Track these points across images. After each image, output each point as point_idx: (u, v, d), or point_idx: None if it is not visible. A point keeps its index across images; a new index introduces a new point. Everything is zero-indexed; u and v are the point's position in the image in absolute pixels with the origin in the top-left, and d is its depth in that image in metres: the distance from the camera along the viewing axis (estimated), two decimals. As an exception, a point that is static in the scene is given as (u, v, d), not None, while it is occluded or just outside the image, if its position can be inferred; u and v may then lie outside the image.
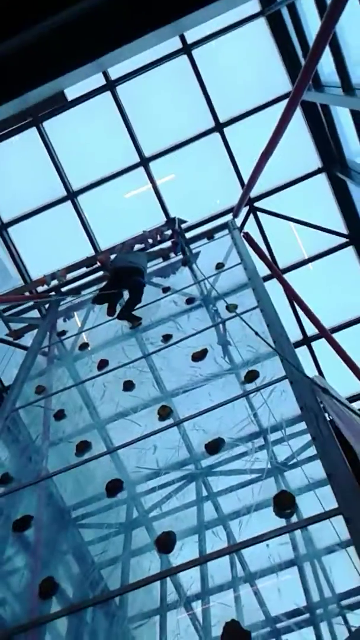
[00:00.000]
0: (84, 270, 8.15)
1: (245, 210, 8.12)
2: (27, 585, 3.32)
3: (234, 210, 7.86)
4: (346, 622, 2.54)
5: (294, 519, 2.86)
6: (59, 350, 6.66)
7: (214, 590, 2.85)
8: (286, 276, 7.86)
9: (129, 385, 4.88)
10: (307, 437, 3.28)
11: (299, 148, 8.35)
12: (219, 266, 6.57)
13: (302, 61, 6.63)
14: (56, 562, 3.56)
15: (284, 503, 2.89)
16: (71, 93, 8.06)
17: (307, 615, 2.60)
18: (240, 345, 4.60)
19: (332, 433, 3.13)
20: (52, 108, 7.07)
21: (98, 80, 8.11)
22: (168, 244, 7.92)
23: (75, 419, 4.88)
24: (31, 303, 8.18)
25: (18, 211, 8.69)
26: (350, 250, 8.69)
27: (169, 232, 7.93)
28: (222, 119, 8.31)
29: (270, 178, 8.18)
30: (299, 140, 8.26)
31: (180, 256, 7.68)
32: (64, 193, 8.56)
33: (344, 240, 8.60)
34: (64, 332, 6.90)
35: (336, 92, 6.63)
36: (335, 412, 3.33)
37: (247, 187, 7.16)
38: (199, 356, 4.78)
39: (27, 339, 7.53)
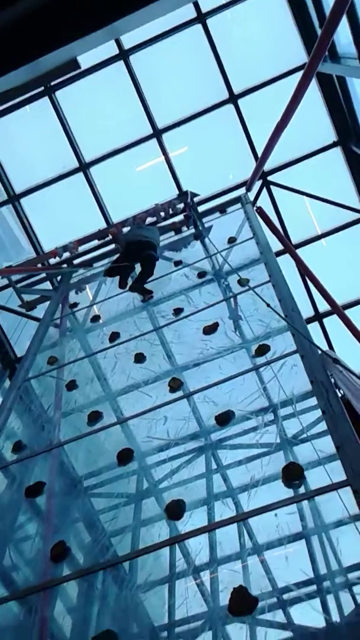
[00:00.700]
0: (95, 242, 8.14)
1: (258, 184, 8.04)
2: (39, 550, 3.39)
3: (247, 184, 7.79)
4: (352, 593, 2.58)
5: (303, 490, 2.89)
6: (71, 322, 6.70)
7: (222, 559, 2.89)
8: (299, 251, 7.80)
9: (140, 358, 4.91)
10: (318, 413, 3.29)
11: (314, 121, 8.22)
12: (231, 240, 6.54)
13: (319, 31, 6.49)
14: (67, 529, 3.63)
15: (293, 474, 2.92)
16: (84, 63, 7.94)
17: (313, 587, 2.64)
18: (252, 319, 4.61)
19: (342, 407, 3.14)
20: (65, 75, 6.97)
21: (111, 50, 8.00)
22: (180, 217, 7.88)
23: (86, 390, 4.93)
24: (43, 275, 8.20)
25: (30, 182, 8.66)
26: (364, 226, 8.59)
27: (181, 205, 7.88)
28: (236, 90, 8.18)
29: (284, 152, 8.08)
30: (314, 113, 8.12)
31: (192, 230, 7.64)
32: (77, 164, 8.51)
33: (358, 215, 8.50)
34: (75, 304, 6.93)
35: (353, 63, 6.50)
36: (346, 385, 3.34)
37: (260, 160, 7.08)
38: (210, 330, 4.79)
39: (40, 311, 7.57)
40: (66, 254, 8.00)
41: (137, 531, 3.26)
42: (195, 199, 8.01)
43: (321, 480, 2.85)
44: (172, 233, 7.84)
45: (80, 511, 3.73)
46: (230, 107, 8.25)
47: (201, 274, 6.02)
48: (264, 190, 8.30)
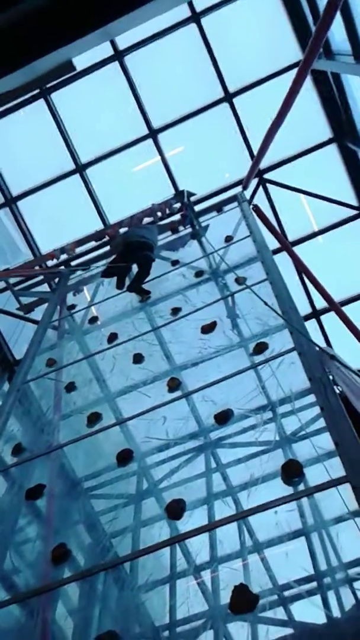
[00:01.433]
0: (93, 244, 8.14)
1: (254, 182, 8.04)
2: (40, 552, 3.39)
3: (244, 182, 7.79)
4: (352, 589, 2.58)
5: (302, 487, 2.89)
6: (69, 324, 6.70)
7: (222, 558, 2.89)
8: (296, 249, 7.80)
9: (138, 358, 4.91)
10: (316, 410, 3.29)
11: (309, 118, 8.23)
12: (228, 239, 6.54)
13: (313, 28, 6.49)
14: (67, 531, 3.63)
15: (292, 471, 2.92)
16: (79, 64, 7.95)
17: (314, 583, 2.64)
18: (249, 317, 4.61)
19: (340, 403, 3.14)
20: (61, 78, 6.97)
21: (106, 51, 8.00)
22: (177, 216, 7.88)
23: (85, 392, 4.93)
24: (41, 277, 8.20)
25: (27, 185, 8.66)
26: (361, 222, 8.60)
27: (177, 205, 7.89)
28: (232, 89, 8.18)
29: (280, 149, 8.08)
30: (309, 110, 8.13)
31: (189, 229, 7.65)
32: (73, 166, 8.51)
33: (354, 212, 8.50)
34: (73, 306, 6.93)
35: (348, 60, 6.50)
36: (344, 381, 3.34)
37: (256, 158, 7.08)
38: (208, 329, 4.79)
39: (38, 314, 7.57)
40: (63, 256, 8.00)
41: (137, 531, 3.26)
42: (192, 198, 8.01)
43: (320, 476, 2.84)
44: (169, 233, 7.84)
45: (81, 513, 3.73)
46: (225, 105, 8.25)
47: (198, 273, 6.02)
48: (260, 188, 8.30)
